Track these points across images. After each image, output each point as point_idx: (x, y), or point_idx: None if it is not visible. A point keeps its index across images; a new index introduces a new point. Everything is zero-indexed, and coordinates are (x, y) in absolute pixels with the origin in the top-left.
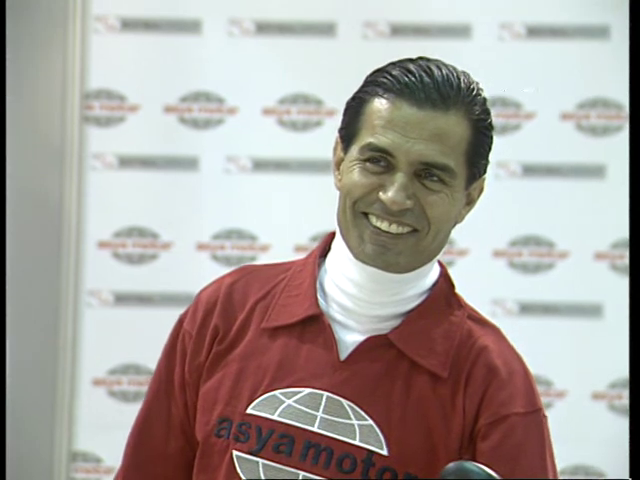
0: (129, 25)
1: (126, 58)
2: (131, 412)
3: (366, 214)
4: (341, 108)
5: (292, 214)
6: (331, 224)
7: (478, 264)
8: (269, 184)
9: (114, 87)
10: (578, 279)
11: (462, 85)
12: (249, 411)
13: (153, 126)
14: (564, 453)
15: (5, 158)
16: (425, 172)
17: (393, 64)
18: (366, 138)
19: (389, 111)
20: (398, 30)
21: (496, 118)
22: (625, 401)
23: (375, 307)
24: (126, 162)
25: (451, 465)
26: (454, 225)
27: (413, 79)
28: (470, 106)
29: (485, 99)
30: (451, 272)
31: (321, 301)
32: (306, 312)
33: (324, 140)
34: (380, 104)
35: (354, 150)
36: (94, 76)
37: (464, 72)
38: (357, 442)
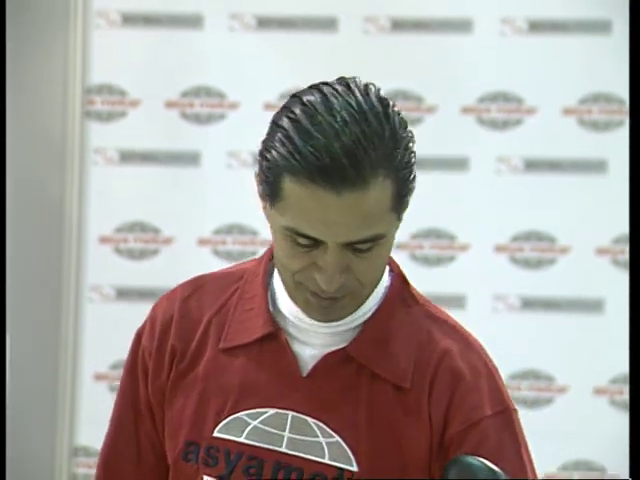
0: (130, 20)
1: (127, 53)
2: None
3: (304, 284)
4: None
5: None
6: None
7: (480, 259)
8: None
9: (115, 82)
10: (580, 274)
11: (376, 142)
12: (216, 434)
13: (154, 121)
14: (565, 448)
15: (5, 155)
16: (356, 245)
17: (293, 121)
18: (289, 221)
19: (307, 200)
20: (399, 25)
21: (497, 113)
22: (626, 396)
23: (328, 328)
24: (127, 157)
25: (450, 463)
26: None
27: (323, 158)
28: (388, 162)
29: (400, 124)
30: (452, 268)
31: (275, 317)
32: (262, 331)
33: None
34: (295, 188)
35: (279, 215)
36: (95, 71)
37: (368, 102)
38: (326, 460)
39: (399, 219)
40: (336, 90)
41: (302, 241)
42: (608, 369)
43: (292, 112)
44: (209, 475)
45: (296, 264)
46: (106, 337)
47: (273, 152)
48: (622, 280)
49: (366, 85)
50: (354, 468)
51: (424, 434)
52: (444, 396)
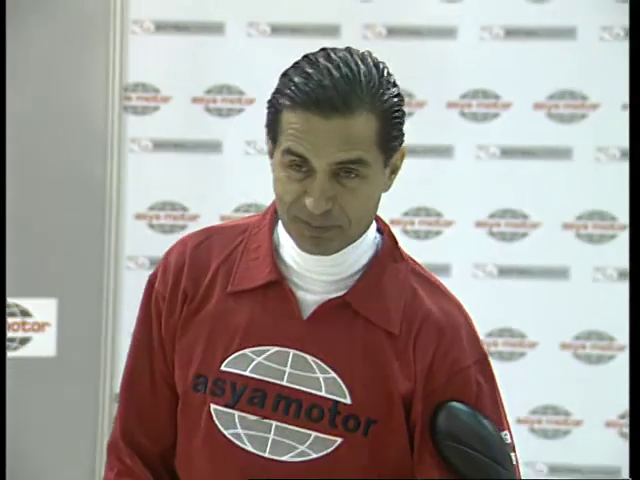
0: (162, 28)
1: (159, 56)
2: None
3: (298, 217)
4: None
5: None
6: None
7: (462, 233)
8: None
9: (149, 81)
10: (548, 246)
11: (362, 82)
12: (223, 368)
13: (182, 115)
14: (535, 395)
15: (5, 151)
16: (342, 170)
17: (296, 67)
18: (284, 143)
19: (300, 123)
20: (393, 31)
21: (477, 108)
22: (588, 350)
23: (326, 276)
24: (159, 146)
25: (438, 408)
26: (379, 199)
27: (315, 88)
28: (373, 100)
29: (389, 79)
30: (439, 240)
31: (279, 265)
32: (267, 277)
33: None
34: (291, 117)
35: (278, 152)
36: (132, 71)
37: (365, 59)
38: (323, 393)
39: (386, 164)
40: (338, 49)
41: (292, 162)
42: (572, 328)
43: (296, 63)
44: (216, 404)
45: (290, 195)
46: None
47: (276, 95)
48: (584, 251)
49: (364, 52)
50: (348, 401)
51: (408, 377)
52: (429, 349)
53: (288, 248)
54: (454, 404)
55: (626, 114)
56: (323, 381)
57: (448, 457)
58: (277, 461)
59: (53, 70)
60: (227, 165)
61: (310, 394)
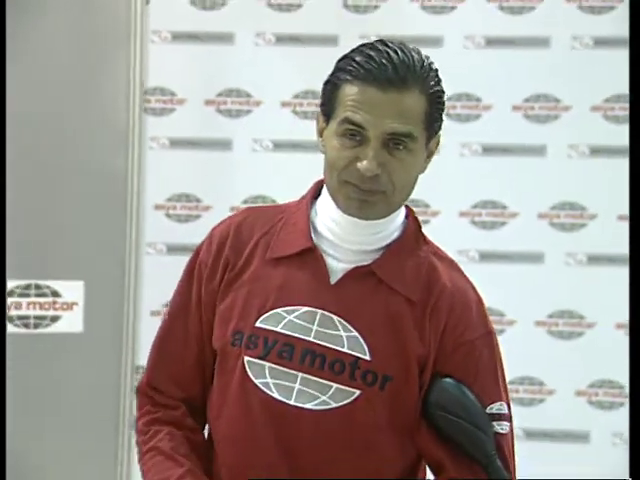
0: (178, 37)
1: (176, 63)
2: None
3: (347, 181)
4: None
5: (303, 183)
6: None
7: (447, 222)
8: (286, 160)
9: (166, 85)
10: (525, 234)
11: (416, 65)
12: (257, 325)
13: (196, 115)
14: (513, 368)
15: (5, 150)
16: (392, 141)
17: (357, 51)
18: (342, 114)
19: (359, 94)
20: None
21: (461, 109)
22: (560, 327)
23: (357, 244)
24: (176, 144)
25: (431, 382)
26: (417, 176)
27: (375, 66)
28: (424, 83)
29: (436, 71)
30: (426, 229)
31: (314, 237)
32: (302, 245)
33: None
34: (351, 89)
35: (333, 123)
36: (151, 77)
37: (417, 51)
38: (345, 350)
39: (427, 144)
40: (387, 39)
41: (350, 131)
42: (546, 307)
43: (356, 48)
44: (249, 356)
45: (343, 161)
46: (159, 282)
47: (337, 73)
48: (557, 238)
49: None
50: (367, 357)
51: (423, 341)
52: (442, 319)
53: (325, 219)
54: (443, 379)
55: (595, 115)
56: (346, 339)
57: (438, 425)
58: (301, 408)
59: (81, 76)
60: (236, 161)
61: (334, 350)
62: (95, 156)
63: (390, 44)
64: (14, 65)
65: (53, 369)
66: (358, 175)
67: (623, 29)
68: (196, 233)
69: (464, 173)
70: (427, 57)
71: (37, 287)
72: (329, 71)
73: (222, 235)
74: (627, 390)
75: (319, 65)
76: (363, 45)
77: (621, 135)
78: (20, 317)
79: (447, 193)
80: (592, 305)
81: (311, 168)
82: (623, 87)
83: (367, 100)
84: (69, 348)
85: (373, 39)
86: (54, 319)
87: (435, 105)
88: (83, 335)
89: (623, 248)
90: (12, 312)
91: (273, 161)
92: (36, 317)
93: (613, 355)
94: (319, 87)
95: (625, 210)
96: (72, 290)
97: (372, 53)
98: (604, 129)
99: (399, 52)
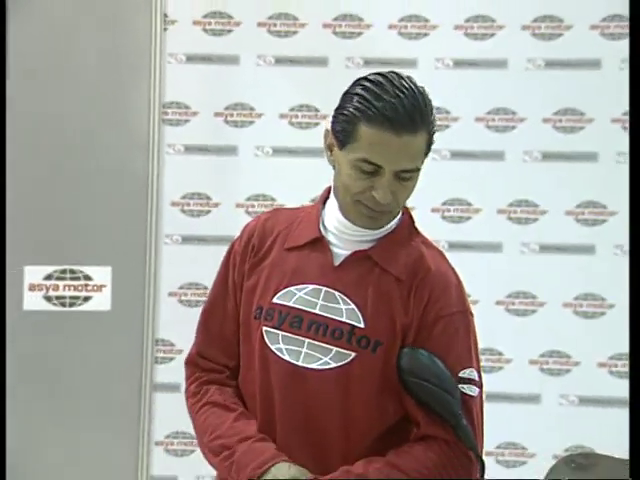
0: (191, 59)
1: (189, 80)
2: (193, 313)
3: (360, 201)
4: (331, 115)
5: (298, 184)
6: (319, 185)
7: (421, 217)
8: (284, 164)
9: (182, 100)
10: (486, 227)
11: (423, 109)
12: (274, 301)
13: (207, 125)
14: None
15: (5, 150)
16: (402, 173)
17: (369, 89)
18: (361, 152)
19: (376, 137)
20: (369, 62)
21: None
22: (518, 306)
23: (358, 237)
24: (189, 149)
25: (405, 350)
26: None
27: (393, 111)
28: (428, 123)
29: (432, 105)
30: None
31: (322, 230)
32: (312, 235)
33: (320, 135)
34: (367, 131)
35: (348, 153)
36: (168, 92)
37: (421, 91)
38: (344, 319)
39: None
40: (392, 75)
41: (367, 168)
42: (505, 288)
43: (363, 85)
44: (267, 326)
45: (358, 187)
46: (176, 268)
47: (351, 109)
48: (512, 230)
49: (408, 76)
50: (362, 325)
51: (407, 313)
52: (425, 295)
53: (332, 219)
54: (414, 349)
55: (546, 126)
56: (345, 311)
57: (411, 389)
58: (307, 368)
59: (109, 91)
60: (241, 165)
61: (334, 319)
62: (121, 160)
63: (397, 82)
64: (59, 82)
65: (85, 341)
66: (374, 202)
67: (570, 53)
68: (207, 226)
69: (435, 175)
70: (426, 92)
71: (72, 272)
72: (321, 88)
73: (251, 229)
74: (573, 359)
75: (312, 82)
76: (371, 82)
77: (569, 143)
78: (57, 297)
79: (421, 192)
80: (543, 287)
81: (305, 171)
82: (570, 102)
83: (384, 143)
84: (99, 324)
85: (359, 61)
86: (86, 299)
87: (432, 136)
88: (110, 313)
89: (570, 239)
90: (50, 293)
91: (272, 165)
92: (71, 297)
93: (561, 329)
94: (312, 101)
95: (571, 206)
96: (101, 274)
97: (387, 98)
98: (554, 138)
99: (408, 94)
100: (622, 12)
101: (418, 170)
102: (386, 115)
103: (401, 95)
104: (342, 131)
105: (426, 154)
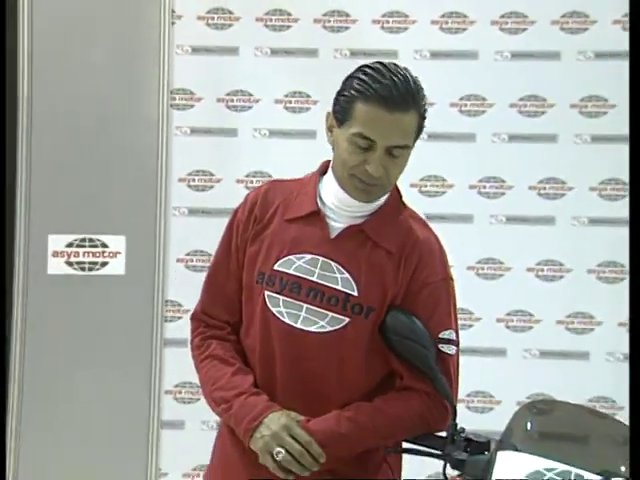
0: (196, 50)
1: (194, 69)
2: (199, 277)
3: (355, 175)
4: (322, 101)
5: (292, 162)
6: (311, 164)
7: (401, 191)
8: (279, 145)
9: (188, 86)
10: (459, 200)
11: (415, 91)
12: (275, 268)
13: (210, 110)
14: None
15: (5, 149)
16: (393, 150)
17: (367, 73)
18: (356, 127)
19: (372, 114)
20: (354, 53)
21: None
22: (487, 271)
23: (352, 211)
24: (195, 131)
25: (389, 312)
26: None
27: (387, 91)
28: (419, 105)
29: (424, 94)
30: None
31: (320, 204)
32: (310, 209)
33: (311, 119)
34: (363, 108)
35: (346, 130)
36: (176, 80)
37: (414, 77)
38: (339, 287)
39: (412, 147)
40: (390, 64)
41: (362, 143)
42: (475, 255)
43: (364, 71)
44: (269, 291)
45: (354, 161)
46: (182, 236)
47: (351, 90)
48: (483, 204)
49: (405, 67)
50: (355, 293)
51: (397, 282)
52: (412, 265)
53: (328, 194)
54: (397, 311)
55: (512, 110)
56: (340, 279)
57: (394, 346)
58: (305, 330)
59: (123, 80)
60: (241, 145)
61: (330, 287)
62: (134, 141)
63: (393, 69)
64: (79, 70)
65: (102, 301)
66: (367, 175)
67: (533, 45)
68: (210, 199)
69: (414, 154)
70: (418, 79)
71: (90, 240)
72: (312, 76)
73: (253, 199)
74: (535, 317)
75: (304, 71)
76: (371, 68)
77: (532, 126)
78: (78, 262)
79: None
80: (509, 254)
81: (298, 151)
82: (533, 89)
83: (377, 119)
84: (114, 287)
85: (346, 52)
86: (103, 264)
87: (423, 120)
88: (125, 277)
89: (533, 211)
90: (71, 259)
91: (269, 145)
92: (89, 263)
93: (524, 291)
94: (304, 88)
95: (534, 182)
96: (117, 242)
97: (382, 80)
98: (519, 121)
99: (402, 79)
100: (579, 9)
101: (408, 148)
102: (380, 94)
103: (395, 79)
104: (341, 110)
105: (417, 136)
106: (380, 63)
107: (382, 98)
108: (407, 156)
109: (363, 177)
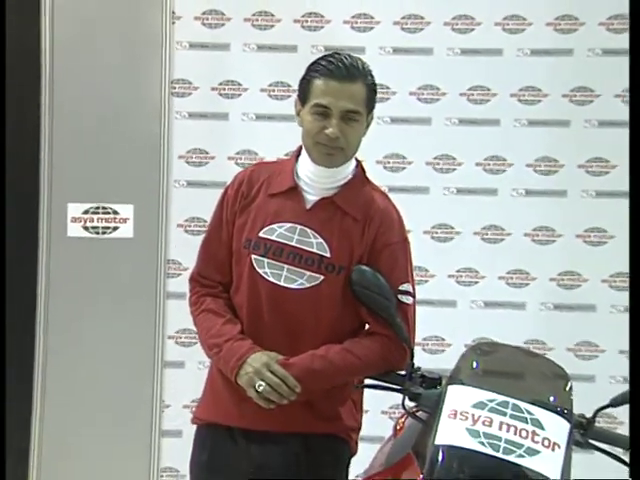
0: (193, 45)
1: (191, 62)
2: (196, 240)
3: (319, 142)
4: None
5: (275, 142)
6: (291, 143)
7: (367, 168)
8: (264, 127)
9: (185, 77)
10: (416, 175)
11: (360, 67)
12: (260, 235)
13: (205, 97)
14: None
15: (5, 148)
16: (346, 115)
17: (322, 58)
18: (314, 99)
19: (324, 85)
20: (329, 49)
21: (378, 95)
22: (440, 235)
23: (324, 184)
24: (192, 115)
25: (355, 268)
26: (361, 138)
27: (334, 67)
28: (365, 78)
29: (371, 71)
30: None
31: (297, 180)
32: (289, 185)
33: (291, 105)
34: (319, 82)
35: (307, 106)
36: (176, 71)
37: (360, 59)
38: (315, 250)
39: (367, 121)
40: (342, 52)
41: (319, 111)
42: (430, 221)
43: (319, 58)
44: (255, 254)
45: (315, 128)
46: (183, 205)
47: (310, 73)
48: (437, 178)
49: (357, 57)
50: (328, 255)
51: (362, 244)
52: (374, 229)
53: (304, 169)
54: (362, 267)
55: (462, 98)
56: (315, 244)
57: (360, 297)
58: (286, 287)
59: (130, 71)
60: (231, 127)
61: (307, 250)
62: (140, 124)
63: (343, 54)
64: (93, 63)
65: (113, 260)
66: (327, 138)
67: (479, 44)
68: (206, 174)
69: (378, 136)
70: (367, 64)
71: (103, 208)
72: (292, 68)
73: (240, 178)
74: (480, 274)
75: (285, 65)
76: (326, 55)
77: (479, 112)
78: (93, 227)
79: (368, 148)
80: (460, 220)
81: (280, 132)
82: (480, 80)
83: (330, 89)
84: (124, 248)
85: (321, 48)
86: (115, 229)
87: (371, 93)
88: (133, 239)
89: (479, 184)
90: (87, 224)
91: (255, 127)
92: (103, 227)
93: (472, 251)
94: (286, 79)
95: (480, 159)
96: (126, 210)
97: (332, 60)
98: (468, 107)
99: (349, 59)
100: (519, 12)
101: (360, 114)
102: (329, 69)
103: (344, 59)
104: (302, 91)
105: (368, 106)
106: (336, 52)
107: (331, 71)
108: (362, 123)
109: (324, 141)
